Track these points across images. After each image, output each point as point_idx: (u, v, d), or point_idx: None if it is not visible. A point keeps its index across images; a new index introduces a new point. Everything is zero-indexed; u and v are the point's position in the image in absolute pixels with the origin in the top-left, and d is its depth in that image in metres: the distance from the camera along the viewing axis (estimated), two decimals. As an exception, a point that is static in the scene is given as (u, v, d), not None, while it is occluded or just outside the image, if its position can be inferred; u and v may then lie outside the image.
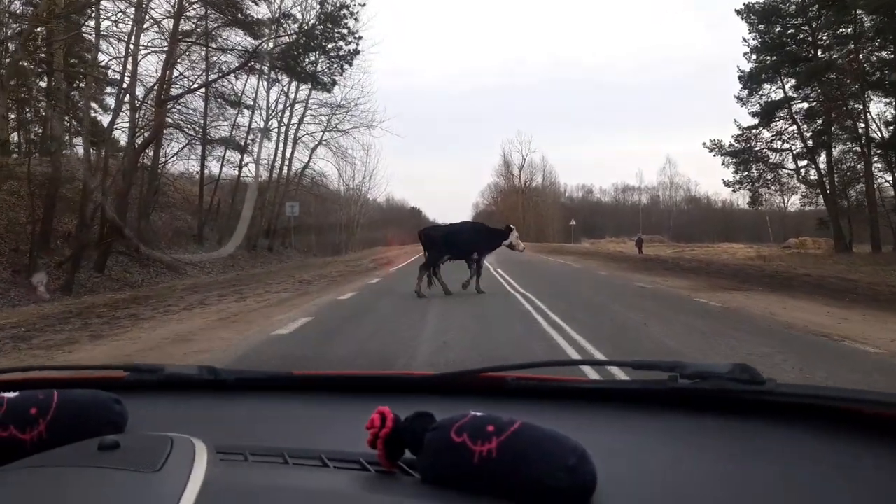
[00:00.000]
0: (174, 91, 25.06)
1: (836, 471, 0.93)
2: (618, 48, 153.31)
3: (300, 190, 36.75)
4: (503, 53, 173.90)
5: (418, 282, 12.23)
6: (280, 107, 33.00)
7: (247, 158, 31.79)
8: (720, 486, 0.89)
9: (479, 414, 0.82)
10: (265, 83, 31.44)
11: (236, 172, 31.91)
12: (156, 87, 21.61)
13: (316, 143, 36.09)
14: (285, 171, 34.97)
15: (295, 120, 34.44)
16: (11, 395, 0.98)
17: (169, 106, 21.86)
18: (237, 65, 23.87)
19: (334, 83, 26.93)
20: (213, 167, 33.78)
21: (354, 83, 37.88)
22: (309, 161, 36.14)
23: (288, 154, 34.65)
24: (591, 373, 4.41)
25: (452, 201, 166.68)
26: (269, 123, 32.34)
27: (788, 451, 1.00)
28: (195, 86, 22.84)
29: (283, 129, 33.80)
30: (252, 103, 30.80)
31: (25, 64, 23.78)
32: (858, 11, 30.45)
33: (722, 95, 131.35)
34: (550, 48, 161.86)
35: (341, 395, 1.43)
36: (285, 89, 32.58)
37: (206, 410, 1.37)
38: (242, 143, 29.19)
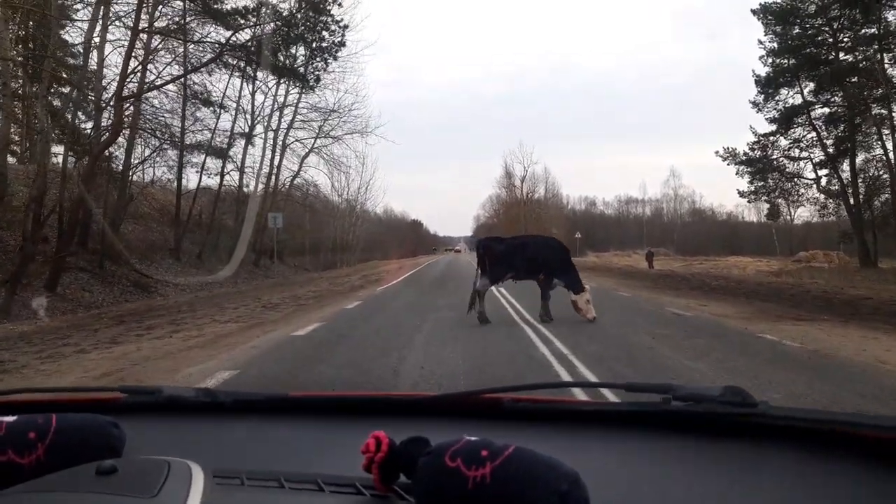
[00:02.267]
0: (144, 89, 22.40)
1: (828, 493, 0.92)
2: (618, 59, 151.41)
3: (289, 201, 33.99)
4: (502, 65, 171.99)
5: (471, 306, 9.99)
6: (267, 111, 30.32)
7: (229, 166, 29.03)
8: None
9: (473, 438, 0.81)
10: (249, 85, 28.81)
11: (218, 181, 29.11)
12: (115, 84, 18.87)
13: (307, 150, 33.39)
14: (273, 180, 32.21)
15: (284, 126, 31.75)
16: (10, 418, 0.97)
17: (129, 104, 19.05)
18: (215, 63, 21.14)
19: (318, 80, 24.31)
20: (194, 176, 31.16)
21: (348, 88, 35.24)
22: (299, 170, 33.42)
23: (276, 162, 31.93)
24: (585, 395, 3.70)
25: (453, 214, 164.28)
26: (255, 129, 29.62)
27: (781, 473, 1.00)
28: (161, 82, 20.06)
29: (270, 135, 31.10)
30: (235, 106, 28.16)
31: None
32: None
33: (727, 106, 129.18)
34: (550, 59, 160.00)
35: (338, 417, 1.42)
36: (272, 91, 29.94)
37: (203, 433, 1.36)
38: (224, 149, 26.41)
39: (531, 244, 10.77)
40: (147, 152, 24.44)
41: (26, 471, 0.90)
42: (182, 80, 23.03)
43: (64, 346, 7.82)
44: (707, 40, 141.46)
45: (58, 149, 22.94)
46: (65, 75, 19.46)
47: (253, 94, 29.00)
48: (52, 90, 19.43)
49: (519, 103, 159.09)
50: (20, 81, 24.58)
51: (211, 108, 24.01)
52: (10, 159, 27.93)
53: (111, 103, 18.88)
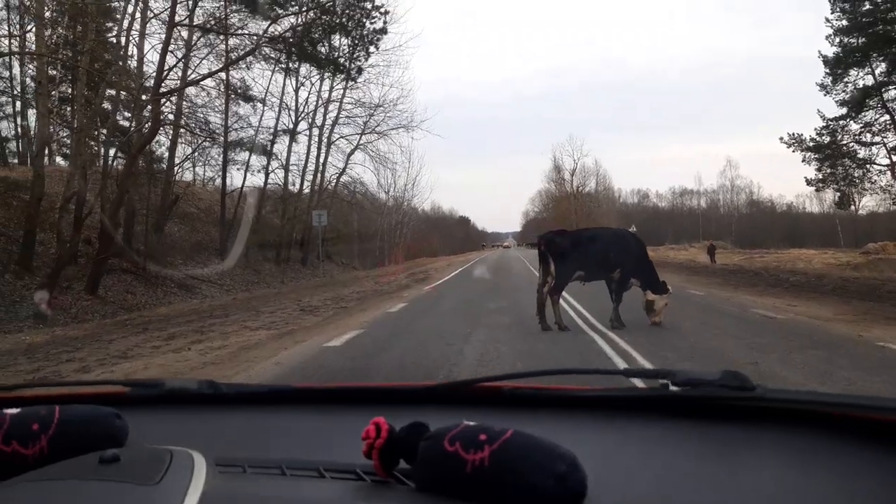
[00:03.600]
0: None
1: (826, 475, 0.92)
2: (661, 52, 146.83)
3: (335, 199, 33.14)
4: (546, 59, 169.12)
5: (541, 311, 8.58)
6: (311, 107, 29.47)
7: (274, 164, 28.28)
8: (710, 492, 0.88)
9: (471, 423, 0.81)
10: (293, 81, 27.99)
11: (262, 180, 28.40)
12: (152, 80, 18.14)
13: (353, 147, 32.46)
14: (319, 177, 31.40)
15: (329, 122, 30.88)
16: (14, 411, 0.98)
17: (166, 101, 18.28)
18: (253, 56, 20.25)
19: (360, 71, 23.23)
20: (238, 175, 30.58)
21: (393, 82, 34.15)
22: (345, 167, 32.53)
23: (321, 159, 31.10)
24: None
25: (501, 210, 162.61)
26: (299, 125, 28.81)
27: (779, 456, 0.99)
28: (199, 77, 19.26)
29: (314, 132, 30.27)
30: (279, 103, 27.37)
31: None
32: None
33: (785, 93, 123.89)
34: (594, 53, 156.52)
35: (339, 406, 1.42)
36: (316, 87, 29.08)
37: (206, 424, 1.35)
38: (265, 145, 25.61)
39: (602, 237, 9.25)
40: (190, 151, 23.73)
41: (30, 461, 0.90)
42: (223, 76, 22.29)
43: (67, 363, 6.82)
44: (755, 29, 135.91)
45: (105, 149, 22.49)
46: (102, 72, 18.80)
47: (297, 90, 28.21)
48: (93, 88, 18.75)
49: (564, 98, 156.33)
50: (66, 81, 24.31)
51: (251, 104, 23.18)
52: (61, 161, 27.85)
53: (148, 100, 18.18)
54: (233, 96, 22.69)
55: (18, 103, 24.06)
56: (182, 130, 23.96)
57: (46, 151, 26.82)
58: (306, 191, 31.02)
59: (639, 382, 1.41)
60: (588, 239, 9.03)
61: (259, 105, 24.13)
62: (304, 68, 28.05)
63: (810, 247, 58.03)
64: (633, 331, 8.15)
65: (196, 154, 24.51)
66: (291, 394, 1.52)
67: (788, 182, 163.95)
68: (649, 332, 8.07)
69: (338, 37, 20.05)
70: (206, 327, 9.65)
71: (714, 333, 8.04)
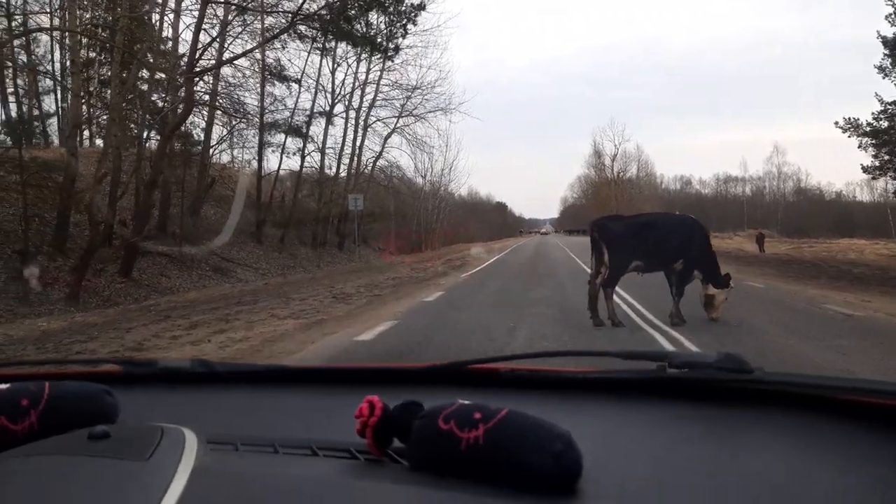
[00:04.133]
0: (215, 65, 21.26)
1: (825, 457, 0.92)
2: (703, 36, 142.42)
3: (372, 183, 32.56)
4: (588, 40, 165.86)
5: (592, 308, 7.65)
6: (348, 89, 28.84)
7: (310, 147, 27.75)
8: (706, 473, 0.88)
9: (466, 402, 0.80)
10: (329, 62, 27.38)
11: (298, 163, 27.92)
12: (185, 59, 17.67)
13: (389, 130, 31.79)
14: (355, 161, 30.83)
15: (366, 105, 30.23)
16: (3, 386, 0.97)
17: (199, 80, 17.77)
18: (288, 35, 19.64)
19: (397, 49, 22.45)
20: (273, 158, 30.16)
21: (431, 63, 33.25)
22: (382, 150, 31.90)
23: (358, 142, 30.51)
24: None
25: (538, 196, 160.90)
26: (335, 108, 28.21)
27: (777, 438, 0.99)
28: (233, 56, 18.72)
29: (351, 114, 29.65)
30: (315, 85, 26.80)
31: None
32: None
33: (835, 79, 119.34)
34: (635, 37, 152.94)
35: (333, 386, 1.40)
36: (352, 69, 28.42)
37: (199, 402, 1.34)
38: (300, 128, 25.06)
39: (661, 223, 8.30)
40: (225, 133, 23.32)
41: (20, 437, 0.89)
42: (258, 56, 21.75)
43: (77, 354, 6.27)
44: (802, 10, 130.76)
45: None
46: (134, 50, 18.38)
47: (333, 71, 27.57)
48: (126, 66, 18.37)
49: (604, 81, 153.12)
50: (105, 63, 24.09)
51: (286, 84, 22.62)
52: (100, 142, 27.78)
53: (182, 80, 17.73)
54: (268, 76, 22.16)
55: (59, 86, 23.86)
56: (218, 112, 23.62)
57: (87, 133, 26.81)
58: (343, 174, 30.50)
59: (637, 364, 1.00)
60: (646, 225, 8.09)
61: (294, 86, 23.57)
62: (341, 49, 27.44)
63: (860, 237, 55.69)
64: (695, 328, 7.29)
65: (232, 136, 24.07)
66: (285, 374, 1.53)
67: (838, 170, 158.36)
68: (714, 330, 7.21)
69: (375, 14, 19.37)
70: (231, 315, 9.08)
71: (787, 332, 7.12)
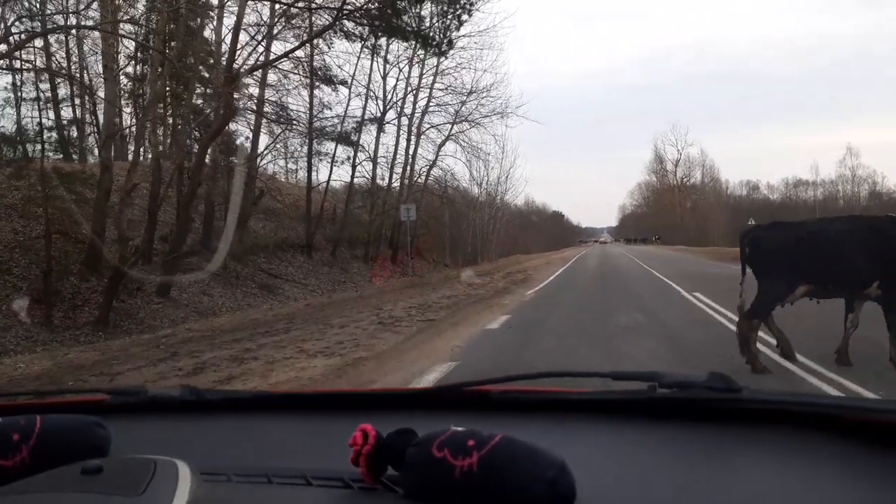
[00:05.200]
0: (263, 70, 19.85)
1: (809, 474, 0.92)
2: (760, 39, 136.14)
3: (426, 192, 30.77)
4: (644, 48, 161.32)
5: (744, 343, 5.51)
6: (400, 94, 27.17)
7: (361, 156, 26.17)
8: (697, 493, 0.88)
9: (460, 429, 0.79)
10: (380, 67, 25.78)
11: (349, 173, 26.36)
12: (223, 63, 16.25)
13: (444, 137, 29.96)
14: (408, 170, 29.11)
15: (418, 111, 28.51)
16: None
17: (236, 85, 16.27)
18: (334, 32, 18.04)
19: (451, 44, 20.61)
20: (323, 169, 28.69)
21: (486, 67, 31.43)
22: (436, 158, 30.08)
23: (411, 151, 28.78)
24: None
25: (595, 204, 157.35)
26: (387, 114, 26.57)
27: (764, 456, 0.99)
28: (275, 58, 17.21)
29: (403, 121, 27.97)
30: (365, 91, 25.24)
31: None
32: None
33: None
34: (688, 44, 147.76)
35: (327, 413, 1.38)
36: (404, 74, 26.74)
37: (190, 432, 1.31)
38: (349, 135, 23.47)
39: (852, 231, 5.68)
40: (272, 142, 21.90)
41: (11, 473, 0.87)
42: (305, 55, 20.21)
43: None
44: (864, 9, 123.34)
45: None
46: (168, 54, 17.08)
47: (384, 76, 25.97)
48: (157, 69, 17.05)
49: (665, 87, 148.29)
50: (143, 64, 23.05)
51: (332, 87, 21.03)
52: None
53: (221, 84, 16.32)
54: (315, 81, 20.59)
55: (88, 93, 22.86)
56: (265, 121, 22.27)
57: (132, 145, 25.92)
58: (395, 184, 28.82)
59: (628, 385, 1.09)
60: (819, 235, 5.69)
61: (343, 92, 21.96)
62: (392, 54, 25.83)
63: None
64: (870, 371, 5.06)
65: (279, 145, 22.68)
66: (277, 401, 1.50)
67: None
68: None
69: (427, 5, 17.60)
70: (252, 350, 7.29)
71: None
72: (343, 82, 21.04)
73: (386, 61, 24.77)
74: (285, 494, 0.86)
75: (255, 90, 21.04)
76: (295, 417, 1.37)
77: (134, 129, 20.80)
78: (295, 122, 20.21)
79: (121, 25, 14.76)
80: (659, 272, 19.39)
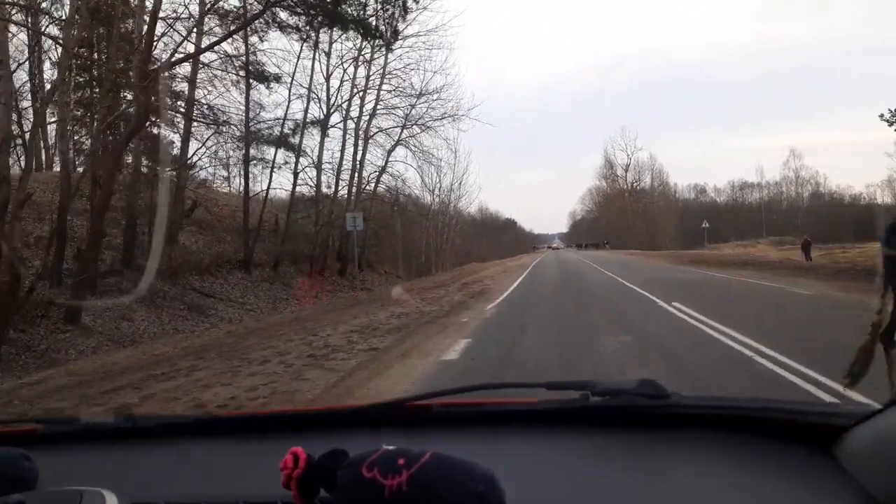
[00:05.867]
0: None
1: (733, 473, 0.94)
2: (719, 42, 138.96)
3: (375, 200, 28.91)
4: (595, 56, 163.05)
5: (856, 370, 3.31)
6: (345, 97, 25.32)
7: (304, 162, 24.17)
8: (627, 498, 0.89)
9: (390, 448, 0.79)
10: (323, 66, 23.87)
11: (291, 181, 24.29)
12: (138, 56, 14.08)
13: (394, 142, 28.20)
14: (356, 177, 27.21)
15: (366, 115, 26.68)
16: None
17: (151, 81, 14.13)
18: (266, 22, 16.11)
19: (396, 35, 18.92)
20: (265, 177, 26.50)
21: (436, 68, 29.89)
22: (385, 164, 28.28)
23: (359, 156, 26.90)
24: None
25: (546, 211, 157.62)
26: (331, 118, 24.67)
27: (692, 459, 1.02)
28: (200, 50, 15.14)
29: (350, 125, 26.10)
30: (307, 93, 23.30)
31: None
32: None
33: (847, 81, 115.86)
34: (640, 51, 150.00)
35: (264, 436, 1.33)
36: (349, 73, 24.91)
37: (123, 461, 1.28)
38: (295, 142, 21.48)
39: None
40: (208, 149, 19.71)
41: None
42: (239, 53, 18.19)
43: None
44: (805, 17, 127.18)
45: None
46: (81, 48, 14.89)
47: (327, 77, 24.12)
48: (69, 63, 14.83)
49: (613, 95, 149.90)
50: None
51: (266, 85, 19.00)
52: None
53: (135, 79, 14.18)
54: (244, 77, 18.50)
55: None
56: (197, 124, 20.12)
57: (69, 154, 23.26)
58: (343, 192, 26.87)
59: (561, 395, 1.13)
60: None
61: (283, 92, 19.94)
62: (336, 54, 23.98)
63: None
64: None
65: (213, 151, 20.52)
66: (214, 424, 1.47)
67: (858, 172, 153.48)
68: None
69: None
70: (132, 405, 5.38)
71: None
72: (277, 78, 19.06)
73: (328, 62, 22.94)
74: None
75: (185, 88, 18.93)
76: (231, 441, 1.32)
77: (41, 132, 18.39)
78: (227, 123, 18.12)
79: (9, 9, 12.50)
80: (626, 280, 18.01)
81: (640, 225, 66.70)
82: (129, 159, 17.15)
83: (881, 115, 30.68)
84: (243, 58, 18.03)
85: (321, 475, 0.81)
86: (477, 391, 1.23)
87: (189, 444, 1.33)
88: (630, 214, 65.16)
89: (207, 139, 19.18)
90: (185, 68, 18.41)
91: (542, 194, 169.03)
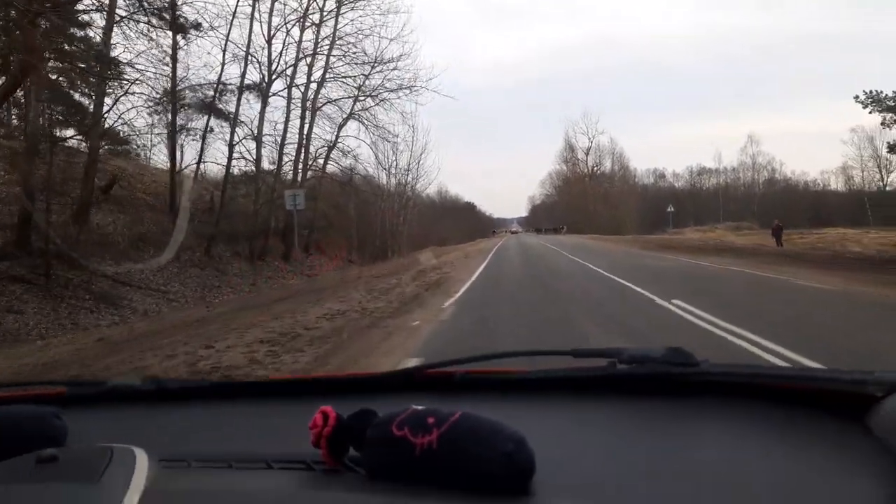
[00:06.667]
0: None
1: (763, 442, 0.91)
2: (670, 33, 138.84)
3: (325, 178, 26.29)
4: (554, 39, 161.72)
5: None
6: (290, 61, 22.57)
7: (240, 132, 21.38)
8: (656, 467, 0.86)
9: (419, 407, 0.78)
10: (265, 28, 21.09)
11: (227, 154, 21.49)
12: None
13: (345, 115, 25.58)
14: (303, 153, 24.52)
15: (313, 84, 23.99)
16: None
17: (45, 21, 11.29)
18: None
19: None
20: (194, 148, 23.60)
21: (392, 35, 27.24)
22: (336, 139, 25.67)
23: (305, 130, 24.22)
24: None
25: (506, 195, 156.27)
26: (273, 84, 21.91)
27: (721, 428, 0.99)
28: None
29: (295, 94, 23.37)
30: (245, 55, 20.50)
31: None
32: None
33: (801, 69, 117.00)
34: (597, 35, 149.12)
35: (288, 399, 1.32)
36: (293, 36, 22.17)
37: (150, 421, 1.26)
38: (231, 109, 18.73)
39: None
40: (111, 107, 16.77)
41: None
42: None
43: None
44: (762, 10, 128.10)
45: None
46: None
47: (269, 39, 21.33)
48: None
49: (571, 80, 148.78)
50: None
51: (183, 35, 16.16)
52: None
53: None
54: (156, 26, 15.66)
55: None
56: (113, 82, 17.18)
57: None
58: (288, 169, 24.19)
59: (589, 362, 1.08)
60: None
61: (194, 37, 16.98)
62: (277, 15, 21.19)
63: (841, 226, 52.04)
64: None
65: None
66: (238, 388, 1.47)
67: (813, 159, 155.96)
68: None
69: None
70: None
71: None
72: (197, 25, 16.25)
73: (270, 15, 20.17)
74: (246, 478, 0.84)
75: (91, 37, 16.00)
76: (257, 405, 1.31)
77: None
78: (140, 80, 15.29)
79: None
80: (599, 267, 15.98)
81: (601, 209, 65.39)
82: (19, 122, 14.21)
83: (856, 97, 29.46)
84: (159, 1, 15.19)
85: (351, 434, 0.80)
86: (502, 358, 1.24)
87: (214, 406, 1.32)
88: (591, 198, 63.75)
89: (118, 99, 16.23)
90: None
91: (501, 179, 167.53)
